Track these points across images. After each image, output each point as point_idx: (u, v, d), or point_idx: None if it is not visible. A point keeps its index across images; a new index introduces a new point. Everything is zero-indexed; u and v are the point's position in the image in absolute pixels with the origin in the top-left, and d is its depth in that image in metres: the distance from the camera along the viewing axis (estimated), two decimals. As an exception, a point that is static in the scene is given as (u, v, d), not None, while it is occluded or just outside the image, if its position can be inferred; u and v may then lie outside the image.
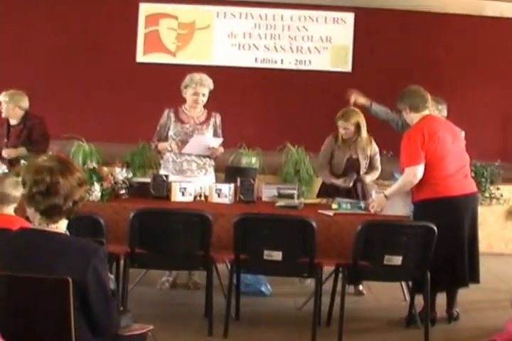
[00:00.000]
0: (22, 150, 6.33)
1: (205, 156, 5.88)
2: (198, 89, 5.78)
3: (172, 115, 5.87)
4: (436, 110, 6.63)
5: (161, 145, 5.92)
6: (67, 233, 2.80)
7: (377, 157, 6.26)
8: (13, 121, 6.56)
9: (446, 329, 5.13)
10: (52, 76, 9.11)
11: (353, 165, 6.13)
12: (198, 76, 5.81)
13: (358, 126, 6.06)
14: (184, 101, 5.90)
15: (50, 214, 2.72)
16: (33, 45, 9.33)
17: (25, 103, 6.56)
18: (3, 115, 6.58)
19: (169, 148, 5.84)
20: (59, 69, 9.23)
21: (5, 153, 6.39)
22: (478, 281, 5.20)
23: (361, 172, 6.14)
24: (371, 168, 6.20)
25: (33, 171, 2.71)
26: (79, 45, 9.35)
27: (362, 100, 6.14)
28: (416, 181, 5.02)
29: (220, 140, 5.87)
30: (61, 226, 2.78)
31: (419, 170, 4.99)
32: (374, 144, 6.21)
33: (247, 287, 5.58)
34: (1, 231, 3.22)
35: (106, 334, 2.77)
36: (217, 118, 5.94)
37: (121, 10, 9.44)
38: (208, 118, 5.91)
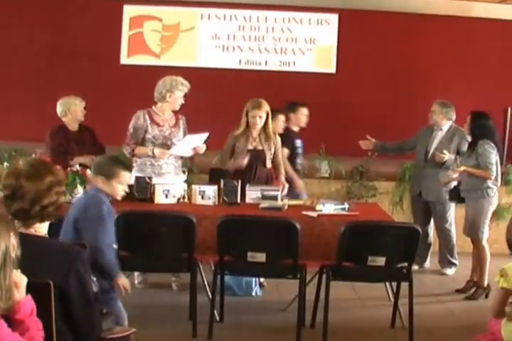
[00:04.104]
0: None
1: (180, 158, 5.92)
2: (186, 91, 5.83)
3: (147, 117, 5.83)
4: (441, 114, 6.65)
5: (140, 150, 5.81)
6: (47, 236, 2.78)
7: None
8: (73, 127, 6.41)
9: (430, 328, 5.16)
10: (34, 77, 9.07)
11: None
12: (182, 79, 5.83)
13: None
14: (155, 103, 5.89)
15: (21, 218, 2.69)
16: (16, 46, 9.28)
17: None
18: (79, 118, 6.41)
19: (150, 154, 5.77)
20: (42, 71, 9.20)
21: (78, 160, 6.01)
22: None
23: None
24: None
25: (5, 175, 2.71)
26: (62, 46, 9.31)
27: (370, 146, 7.08)
28: None
29: (206, 135, 5.83)
30: (41, 229, 2.75)
31: None
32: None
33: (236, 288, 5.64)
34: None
35: (88, 338, 2.75)
36: (183, 120, 5.98)
37: (105, 12, 9.39)
38: (177, 121, 5.93)
